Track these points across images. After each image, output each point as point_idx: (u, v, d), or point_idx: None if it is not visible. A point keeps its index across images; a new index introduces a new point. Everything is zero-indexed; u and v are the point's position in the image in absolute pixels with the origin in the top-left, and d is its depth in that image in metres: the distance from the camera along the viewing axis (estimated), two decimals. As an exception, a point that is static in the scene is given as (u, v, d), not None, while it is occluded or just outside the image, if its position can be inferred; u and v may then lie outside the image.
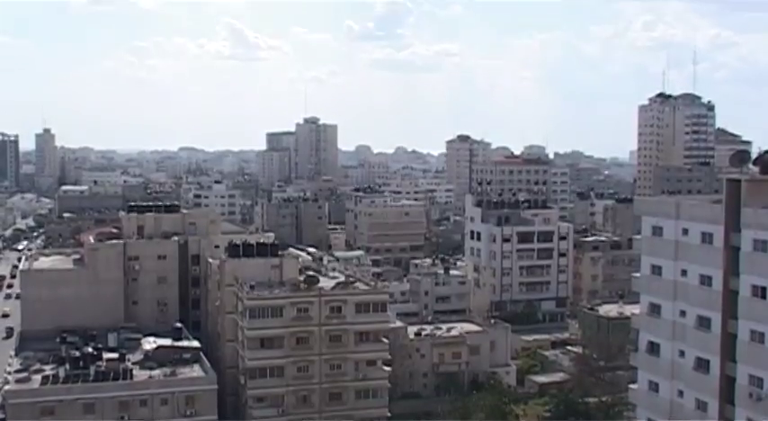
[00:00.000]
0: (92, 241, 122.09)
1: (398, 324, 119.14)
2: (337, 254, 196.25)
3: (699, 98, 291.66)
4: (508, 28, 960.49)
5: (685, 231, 66.22)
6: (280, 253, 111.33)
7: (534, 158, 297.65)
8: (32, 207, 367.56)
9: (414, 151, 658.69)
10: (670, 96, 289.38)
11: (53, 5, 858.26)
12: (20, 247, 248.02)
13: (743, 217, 61.46)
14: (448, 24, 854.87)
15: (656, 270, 69.29)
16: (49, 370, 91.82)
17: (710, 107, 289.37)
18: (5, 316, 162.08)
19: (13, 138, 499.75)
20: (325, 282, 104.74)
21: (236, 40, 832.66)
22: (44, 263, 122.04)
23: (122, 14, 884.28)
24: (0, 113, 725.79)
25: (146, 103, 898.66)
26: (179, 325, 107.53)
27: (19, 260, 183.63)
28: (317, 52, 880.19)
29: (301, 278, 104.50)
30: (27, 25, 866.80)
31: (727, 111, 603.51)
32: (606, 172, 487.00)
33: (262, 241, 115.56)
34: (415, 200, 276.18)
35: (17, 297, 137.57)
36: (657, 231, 69.05)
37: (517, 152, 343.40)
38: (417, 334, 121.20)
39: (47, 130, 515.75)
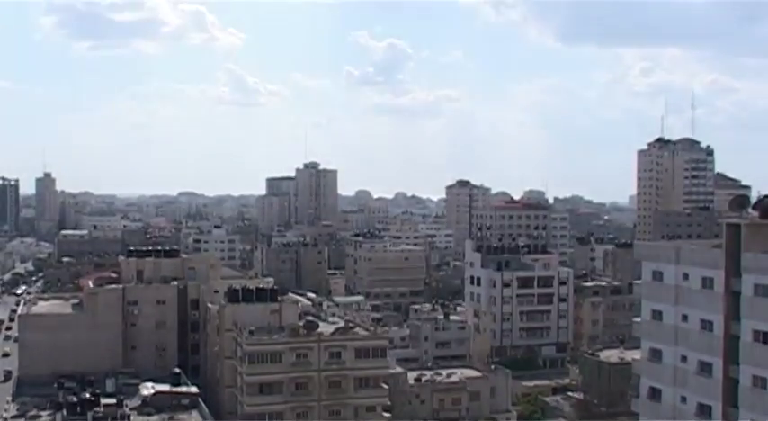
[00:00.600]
0: (91, 286, 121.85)
1: (398, 369, 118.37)
2: (337, 299, 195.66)
3: (698, 143, 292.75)
4: (508, 74, 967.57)
5: (686, 276, 66.17)
6: (279, 298, 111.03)
7: (534, 203, 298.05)
8: (32, 251, 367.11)
9: (413, 196, 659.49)
10: (669, 141, 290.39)
11: (55, 50, 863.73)
12: (18, 292, 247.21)
13: (743, 261, 61.44)
14: (447, 70, 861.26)
15: (657, 315, 69.14)
16: (46, 415, 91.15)
17: (709, 152, 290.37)
18: (5, 355, 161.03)
19: (13, 183, 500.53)
20: (324, 328, 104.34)
21: (237, 86, 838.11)
22: (42, 307, 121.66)
23: (123, 59, 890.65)
24: (1, 157, 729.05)
25: (146, 147, 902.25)
26: (177, 370, 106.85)
27: (17, 304, 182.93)
28: (317, 97, 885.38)
29: (301, 323, 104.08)
30: (28, 70, 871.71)
31: (726, 156, 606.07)
32: (606, 216, 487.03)
33: (261, 286, 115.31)
34: (415, 245, 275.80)
35: (15, 339, 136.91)
36: (658, 276, 69.00)
37: (517, 197, 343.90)
38: (417, 379, 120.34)
39: (47, 175, 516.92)
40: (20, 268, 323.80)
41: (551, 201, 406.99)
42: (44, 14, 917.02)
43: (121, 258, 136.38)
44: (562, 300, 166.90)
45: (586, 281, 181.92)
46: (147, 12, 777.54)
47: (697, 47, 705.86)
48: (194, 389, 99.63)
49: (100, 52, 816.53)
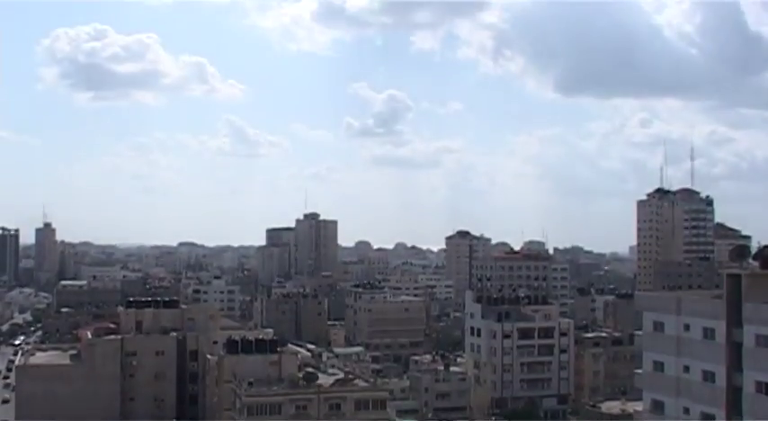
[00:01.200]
0: (89, 336, 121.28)
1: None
2: (337, 350, 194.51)
3: (697, 193, 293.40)
4: (507, 125, 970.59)
5: (687, 327, 65.90)
6: (278, 349, 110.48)
7: (534, 254, 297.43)
8: (31, 301, 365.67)
9: (413, 247, 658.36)
10: (668, 192, 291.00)
11: (56, 101, 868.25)
12: (17, 342, 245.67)
13: (744, 312, 61.24)
14: (447, 121, 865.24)
15: (659, 366, 68.72)
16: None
17: (709, 202, 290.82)
18: (5, 402, 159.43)
19: (13, 233, 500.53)
20: (324, 379, 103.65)
21: (237, 137, 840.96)
22: (40, 358, 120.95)
23: (124, 110, 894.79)
24: (1, 207, 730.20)
25: (146, 198, 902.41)
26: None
27: (15, 355, 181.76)
28: (317, 149, 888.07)
29: (300, 375, 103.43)
30: (30, 120, 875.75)
31: (726, 206, 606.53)
32: (606, 267, 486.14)
33: (260, 337, 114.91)
34: (415, 295, 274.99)
35: (13, 389, 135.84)
36: (659, 327, 68.71)
37: (517, 248, 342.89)
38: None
39: (47, 225, 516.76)
40: (18, 319, 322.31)
41: (551, 251, 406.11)
42: (46, 65, 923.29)
43: (120, 309, 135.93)
44: (563, 351, 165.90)
45: (587, 331, 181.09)
46: (148, 63, 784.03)
47: (695, 97, 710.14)
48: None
49: (101, 103, 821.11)
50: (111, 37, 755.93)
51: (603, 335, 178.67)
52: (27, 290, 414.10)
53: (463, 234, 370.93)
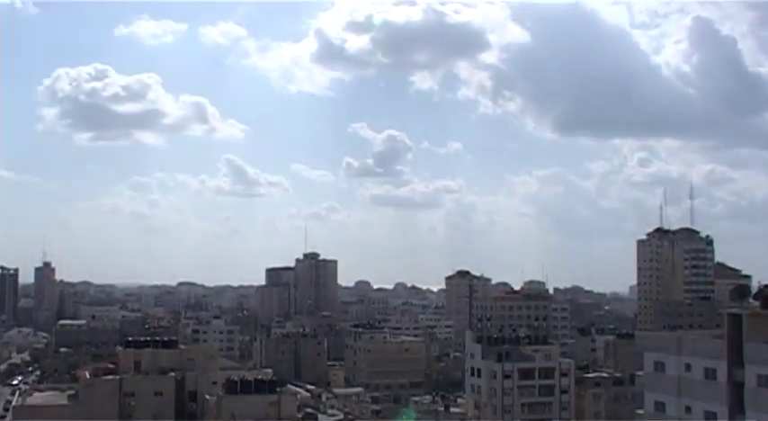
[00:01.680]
0: (87, 376, 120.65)
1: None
2: (336, 390, 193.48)
3: (697, 233, 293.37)
4: (506, 164, 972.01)
5: (688, 367, 65.64)
6: (278, 389, 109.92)
7: (534, 294, 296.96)
8: (29, 341, 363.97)
9: (413, 287, 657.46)
10: (668, 231, 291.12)
11: (56, 141, 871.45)
12: (14, 382, 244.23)
13: (745, 352, 61.04)
14: (447, 161, 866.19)
15: (660, 406, 68.36)
16: None
17: (709, 241, 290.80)
18: None
19: (12, 272, 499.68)
20: (323, 420, 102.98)
21: (237, 177, 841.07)
22: (38, 398, 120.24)
23: (125, 150, 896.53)
24: (0, 247, 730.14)
25: (146, 237, 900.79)
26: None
27: (13, 395, 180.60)
28: (317, 188, 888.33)
29: (300, 415, 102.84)
30: (30, 160, 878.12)
31: (726, 246, 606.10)
32: (606, 307, 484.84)
33: (260, 378, 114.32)
34: (415, 336, 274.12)
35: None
36: (660, 367, 68.44)
37: (517, 287, 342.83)
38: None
39: (47, 264, 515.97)
40: (16, 358, 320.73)
41: (551, 291, 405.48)
42: (47, 105, 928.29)
43: (119, 349, 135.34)
44: (564, 391, 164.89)
45: (588, 372, 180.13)
46: (149, 103, 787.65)
47: (693, 137, 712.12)
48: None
49: (101, 143, 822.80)
50: (111, 77, 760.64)
51: (604, 375, 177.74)
52: (25, 329, 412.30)
53: (463, 274, 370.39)
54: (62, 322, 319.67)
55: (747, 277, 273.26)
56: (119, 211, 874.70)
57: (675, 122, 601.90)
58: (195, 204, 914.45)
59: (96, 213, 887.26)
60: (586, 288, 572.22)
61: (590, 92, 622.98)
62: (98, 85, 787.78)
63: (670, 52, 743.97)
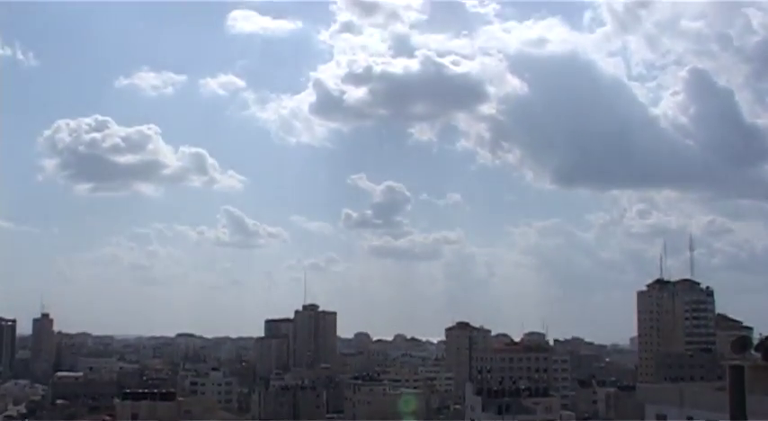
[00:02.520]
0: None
1: None
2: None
3: (697, 284, 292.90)
4: (506, 216, 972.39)
5: (690, 419, 65.12)
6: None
7: (534, 345, 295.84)
8: (26, 393, 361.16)
9: (413, 338, 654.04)
10: (668, 282, 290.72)
11: (56, 192, 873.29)
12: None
13: (748, 404, 60.61)
14: (446, 212, 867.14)
15: (663, 459, 67.72)
16: None
17: (709, 293, 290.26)
18: None
19: (10, 323, 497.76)
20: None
21: (236, 228, 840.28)
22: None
23: (124, 201, 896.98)
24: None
25: (145, 288, 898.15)
26: None
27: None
28: (316, 240, 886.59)
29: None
30: (30, 211, 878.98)
31: (727, 297, 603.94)
32: (607, 359, 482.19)
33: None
34: (415, 388, 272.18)
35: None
36: (661, 419, 67.90)
37: (517, 339, 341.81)
38: None
39: (45, 315, 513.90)
40: (12, 411, 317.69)
41: (552, 343, 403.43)
42: (47, 156, 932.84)
43: (117, 401, 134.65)
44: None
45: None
46: (149, 154, 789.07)
47: (692, 188, 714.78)
48: None
49: (100, 193, 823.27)
50: (111, 128, 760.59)
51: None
52: (22, 381, 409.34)
53: (463, 325, 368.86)
54: (59, 374, 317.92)
55: (748, 328, 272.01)
56: (118, 262, 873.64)
57: (674, 174, 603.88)
58: (194, 255, 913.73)
59: (95, 264, 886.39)
60: (587, 339, 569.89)
61: (588, 143, 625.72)
62: (98, 135, 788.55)
63: (667, 104, 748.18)
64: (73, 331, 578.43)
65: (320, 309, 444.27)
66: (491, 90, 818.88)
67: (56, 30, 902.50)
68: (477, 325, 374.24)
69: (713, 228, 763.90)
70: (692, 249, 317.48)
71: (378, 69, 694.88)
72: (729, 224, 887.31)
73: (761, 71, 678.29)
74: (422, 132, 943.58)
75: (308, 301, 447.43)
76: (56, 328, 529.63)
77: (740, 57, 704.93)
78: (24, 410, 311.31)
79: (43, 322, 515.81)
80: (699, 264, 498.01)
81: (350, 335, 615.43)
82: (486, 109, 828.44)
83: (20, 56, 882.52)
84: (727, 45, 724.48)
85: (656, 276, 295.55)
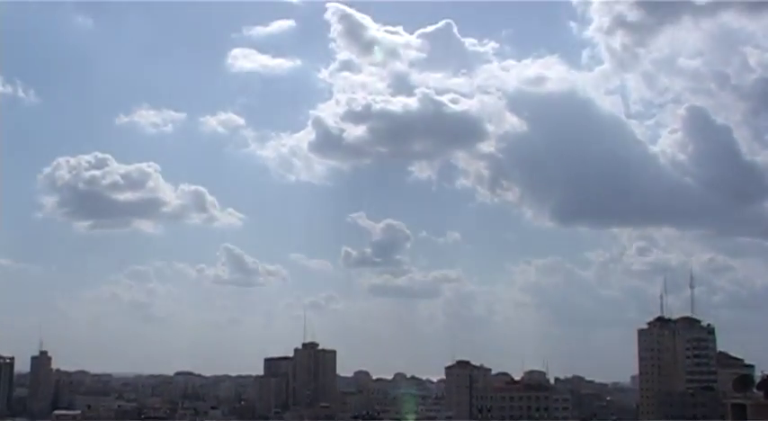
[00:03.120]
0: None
1: None
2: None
3: (698, 322, 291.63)
4: (505, 254, 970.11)
5: (692, 458, 64.85)
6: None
7: (535, 384, 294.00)
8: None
9: (413, 377, 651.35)
10: (669, 320, 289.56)
11: (55, 229, 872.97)
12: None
13: (750, 442, 60.33)
14: (445, 251, 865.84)
15: None
16: None
17: (710, 330, 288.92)
18: None
19: (8, 361, 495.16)
20: None
21: (235, 266, 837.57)
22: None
23: (123, 238, 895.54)
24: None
25: (144, 326, 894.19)
26: None
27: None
28: (316, 278, 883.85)
29: None
30: (28, 248, 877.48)
31: (728, 335, 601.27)
32: (608, 397, 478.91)
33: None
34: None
35: None
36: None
37: (517, 377, 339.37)
38: None
39: (43, 353, 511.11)
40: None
41: (552, 381, 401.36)
42: (46, 194, 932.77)
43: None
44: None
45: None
46: (148, 192, 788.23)
47: (692, 226, 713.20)
48: None
49: (100, 231, 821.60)
50: (111, 165, 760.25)
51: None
52: (20, 419, 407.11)
53: (463, 364, 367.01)
54: (57, 412, 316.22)
55: (750, 367, 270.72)
56: (117, 300, 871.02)
57: (673, 211, 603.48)
58: (193, 293, 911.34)
59: (94, 302, 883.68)
60: (588, 378, 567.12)
61: (587, 181, 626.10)
62: (98, 173, 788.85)
63: (666, 142, 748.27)
64: (71, 369, 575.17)
65: (320, 347, 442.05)
66: (490, 128, 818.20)
67: (57, 67, 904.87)
68: (477, 363, 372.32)
69: (713, 265, 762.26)
70: (692, 287, 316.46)
71: (377, 107, 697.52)
72: (730, 261, 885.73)
73: (758, 109, 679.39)
74: (421, 170, 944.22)
75: (308, 339, 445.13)
76: (54, 366, 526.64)
77: (738, 95, 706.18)
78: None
79: (41, 360, 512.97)
80: (699, 301, 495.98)
81: (349, 374, 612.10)
82: (486, 147, 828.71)
83: (21, 93, 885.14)
84: (724, 83, 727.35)
85: (657, 314, 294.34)
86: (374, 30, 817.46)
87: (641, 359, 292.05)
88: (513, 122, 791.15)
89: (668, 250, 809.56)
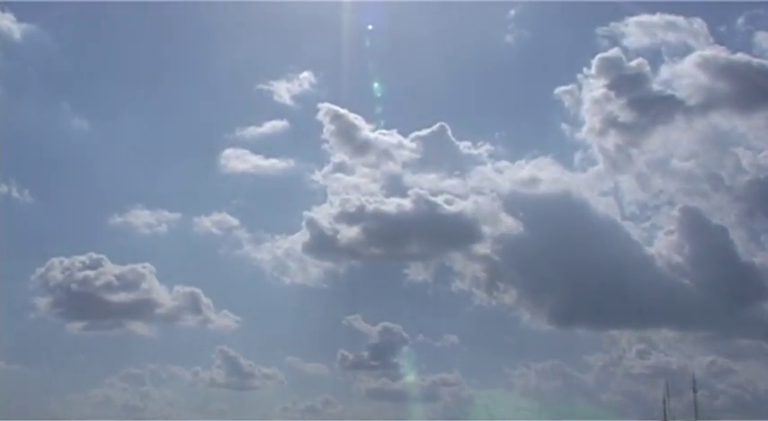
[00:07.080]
0: None
1: None
2: None
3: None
4: (504, 358, 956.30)
5: None
6: None
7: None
8: None
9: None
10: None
11: (48, 330, 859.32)
12: None
13: None
14: (443, 354, 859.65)
15: None
16: None
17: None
18: None
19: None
20: None
21: (231, 369, 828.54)
22: None
23: (117, 340, 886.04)
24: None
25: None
26: None
27: None
28: (312, 381, 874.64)
29: None
30: (21, 349, 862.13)
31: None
32: None
33: None
34: None
35: None
36: None
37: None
38: None
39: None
40: None
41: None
42: (39, 295, 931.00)
43: None
44: None
45: None
46: (143, 293, 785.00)
47: (692, 328, 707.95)
48: None
49: (94, 332, 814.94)
50: (105, 266, 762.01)
51: None
52: None
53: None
54: None
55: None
56: (110, 403, 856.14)
57: (672, 313, 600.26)
58: (188, 396, 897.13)
59: (87, 405, 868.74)
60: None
61: (585, 283, 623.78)
62: (91, 273, 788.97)
63: (662, 243, 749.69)
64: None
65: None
66: (485, 229, 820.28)
67: (52, 168, 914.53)
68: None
69: (715, 368, 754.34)
70: (695, 391, 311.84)
71: (370, 208, 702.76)
72: (731, 364, 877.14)
73: (753, 210, 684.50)
74: (417, 273, 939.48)
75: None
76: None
77: (732, 196, 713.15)
78: None
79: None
80: (702, 405, 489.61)
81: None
82: (481, 248, 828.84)
83: (15, 194, 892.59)
84: (718, 184, 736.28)
85: (659, 418, 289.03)
86: (367, 131, 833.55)
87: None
88: (508, 224, 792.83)
89: (668, 353, 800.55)
